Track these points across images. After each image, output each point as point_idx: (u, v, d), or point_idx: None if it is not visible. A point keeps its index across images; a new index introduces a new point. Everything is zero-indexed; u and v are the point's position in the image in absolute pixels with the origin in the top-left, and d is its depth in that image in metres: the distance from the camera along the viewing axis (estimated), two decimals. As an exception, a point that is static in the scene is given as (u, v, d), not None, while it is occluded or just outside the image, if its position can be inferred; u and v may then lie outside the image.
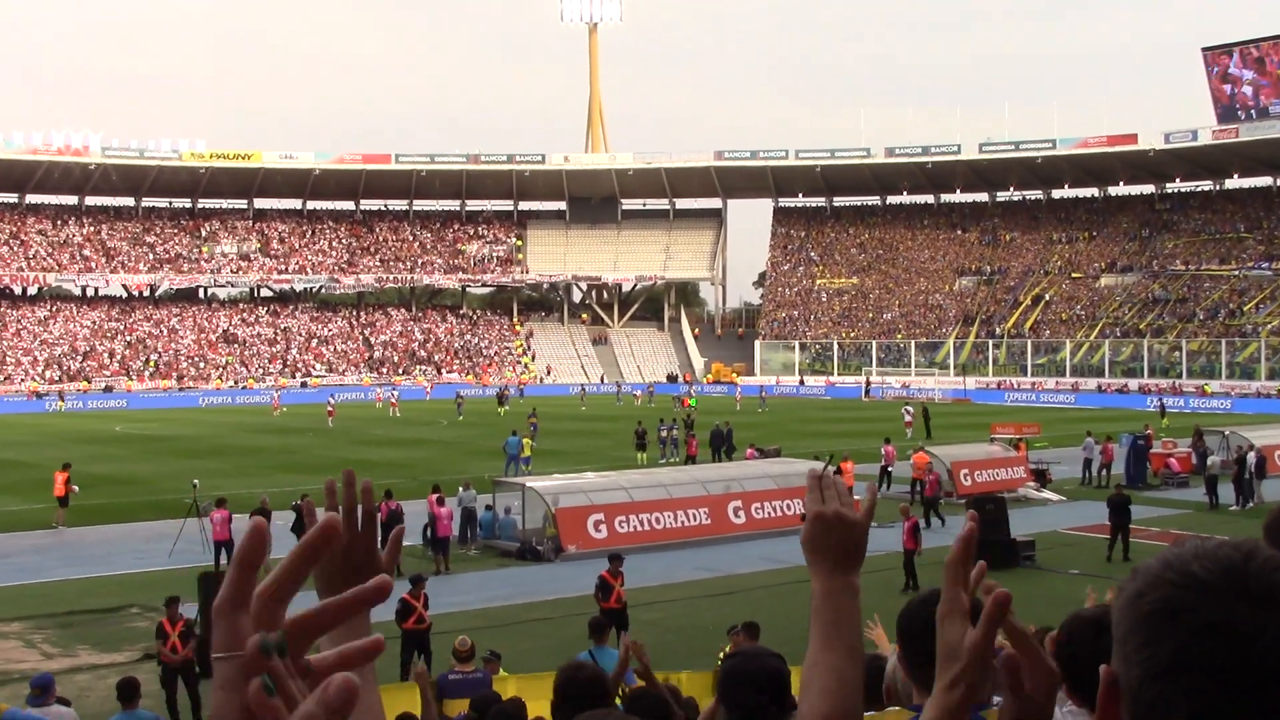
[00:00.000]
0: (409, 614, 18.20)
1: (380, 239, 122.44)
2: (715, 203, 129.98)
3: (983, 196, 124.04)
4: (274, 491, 34.45)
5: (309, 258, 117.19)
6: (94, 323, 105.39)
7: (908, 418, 61.50)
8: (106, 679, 18.16)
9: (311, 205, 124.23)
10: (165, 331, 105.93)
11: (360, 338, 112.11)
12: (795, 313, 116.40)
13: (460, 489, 30.94)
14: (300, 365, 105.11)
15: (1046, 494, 38.42)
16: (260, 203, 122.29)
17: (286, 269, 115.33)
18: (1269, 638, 1.29)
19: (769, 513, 32.25)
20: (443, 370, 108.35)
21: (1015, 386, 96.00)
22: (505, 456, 43.10)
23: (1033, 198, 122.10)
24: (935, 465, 37.46)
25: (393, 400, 79.28)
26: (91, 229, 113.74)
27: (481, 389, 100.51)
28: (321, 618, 1.26)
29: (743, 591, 24.84)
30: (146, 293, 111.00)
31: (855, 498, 2.43)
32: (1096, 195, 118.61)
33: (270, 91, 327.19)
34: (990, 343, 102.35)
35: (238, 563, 1.24)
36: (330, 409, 70.03)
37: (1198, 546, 1.39)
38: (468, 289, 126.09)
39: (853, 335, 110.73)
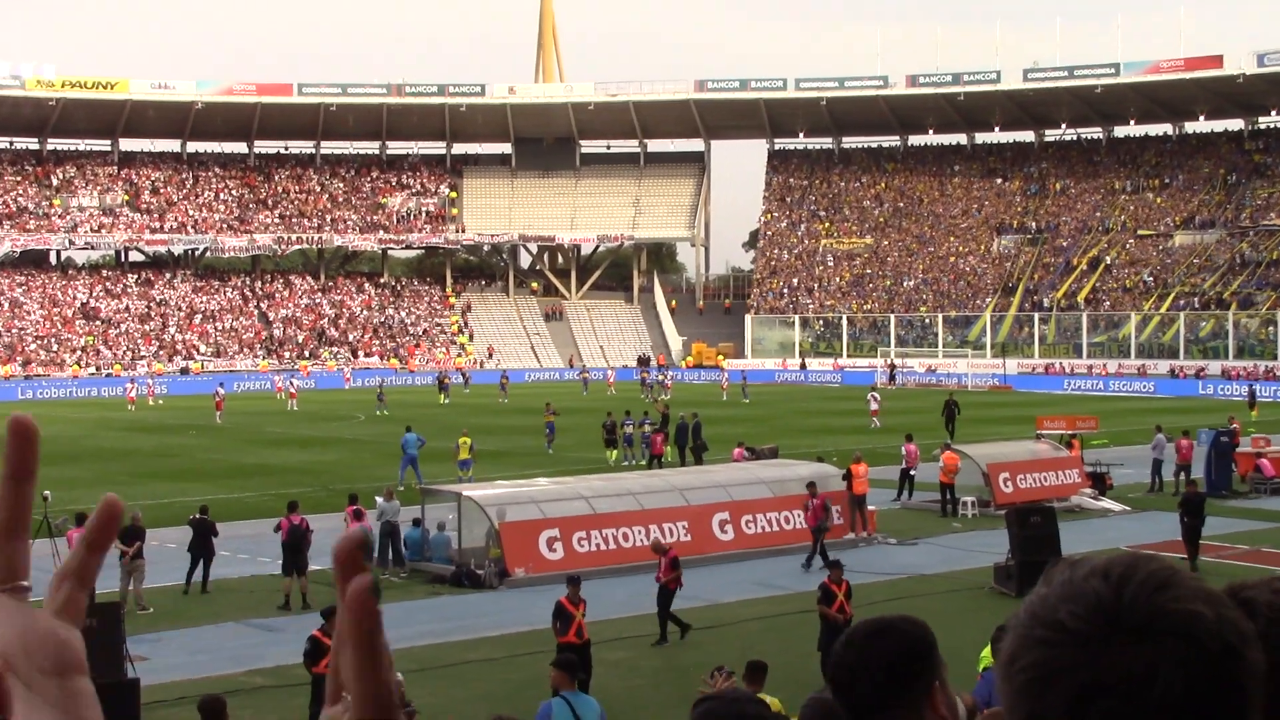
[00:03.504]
0: (320, 655, 18.18)
1: (279, 190, 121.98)
2: (696, 145, 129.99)
3: (1027, 136, 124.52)
4: (149, 505, 34.35)
5: (190, 213, 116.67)
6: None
7: (874, 405, 62.64)
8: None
9: (193, 147, 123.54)
10: (6, 305, 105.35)
11: (255, 313, 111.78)
12: (795, 281, 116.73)
13: (380, 499, 30.93)
14: (180, 347, 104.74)
15: (1106, 503, 38.68)
16: (127, 144, 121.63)
17: (161, 227, 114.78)
18: (1165, 672, 1.34)
19: (763, 527, 32.38)
20: (359, 353, 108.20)
21: (1067, 371, 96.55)
22: (401, 456, 42.84)
23: (1090, 137, 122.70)
24: (968, 468, 37.67)
25: (291, 390, 79.28)
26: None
27: (409, 376, 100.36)
28: (81, 556, 1.37)
29: (731, 624, 24.92)
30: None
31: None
32: (1170, 133, 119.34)
33: (139, 3, 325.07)
34: (1036, 317, 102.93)
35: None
36: (218, 400, 69.89)
37: (1067, 579, 1.43)
38: (389, 252, 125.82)
39: (866, 308, 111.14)
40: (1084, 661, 1.36)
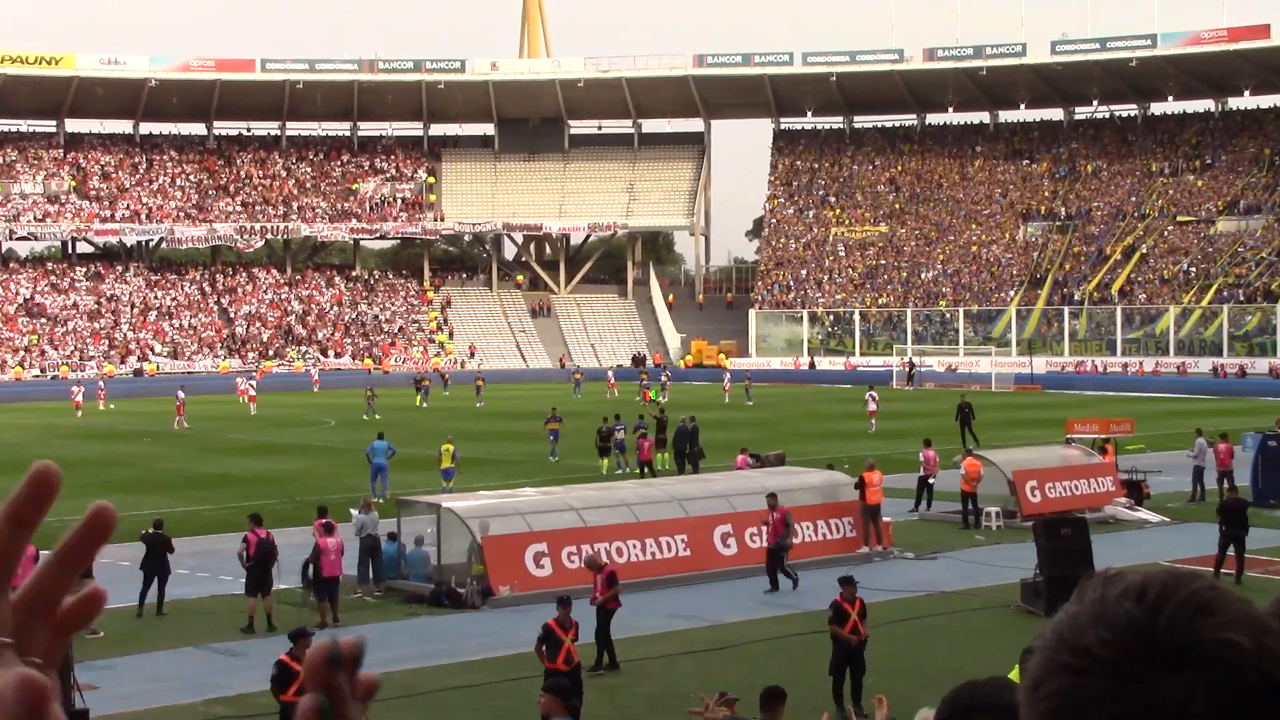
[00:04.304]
0: (288, 682, 18.20)
1: (241, 175, 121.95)
2: (695, 125, 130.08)
3: (1056, 114, 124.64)
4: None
5: (143, 201, 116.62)
6: None
7: (872, 405, 62.77)
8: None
9: (146, 129, 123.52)
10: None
11: (215, 310, 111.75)
12: (803, 273, 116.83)
13: (355, 511, 30.87)
14: (133, 347, 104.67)
15: (1143, 513, 38.71)
16: (74, 125, 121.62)
17: (113, 216, 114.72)
18: (1199, 706, 1.33)
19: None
20: (329, 352, 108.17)
21: (1100, 369, 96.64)
22: (369, 466, 42.66)
23: (1124, 115, 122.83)
24: (992, 475, 37.69)
25: (251, 393, 79.20)
26: None
27: (384, 377, 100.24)
28: (48, 579, 1.34)
29: (735, 646, 24.90)
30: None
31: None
32: (1213, 110, 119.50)
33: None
34: (1066, 311, 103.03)
35: (8, 518, 1.33)
36: (180, 404, 69.78)
37: (1099, 598, 1.42)
38: (361, 243, 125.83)
39: (881, 302, 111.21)
40: (1112, 693, 1.36)
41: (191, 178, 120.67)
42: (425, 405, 79.60)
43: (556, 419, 53.13)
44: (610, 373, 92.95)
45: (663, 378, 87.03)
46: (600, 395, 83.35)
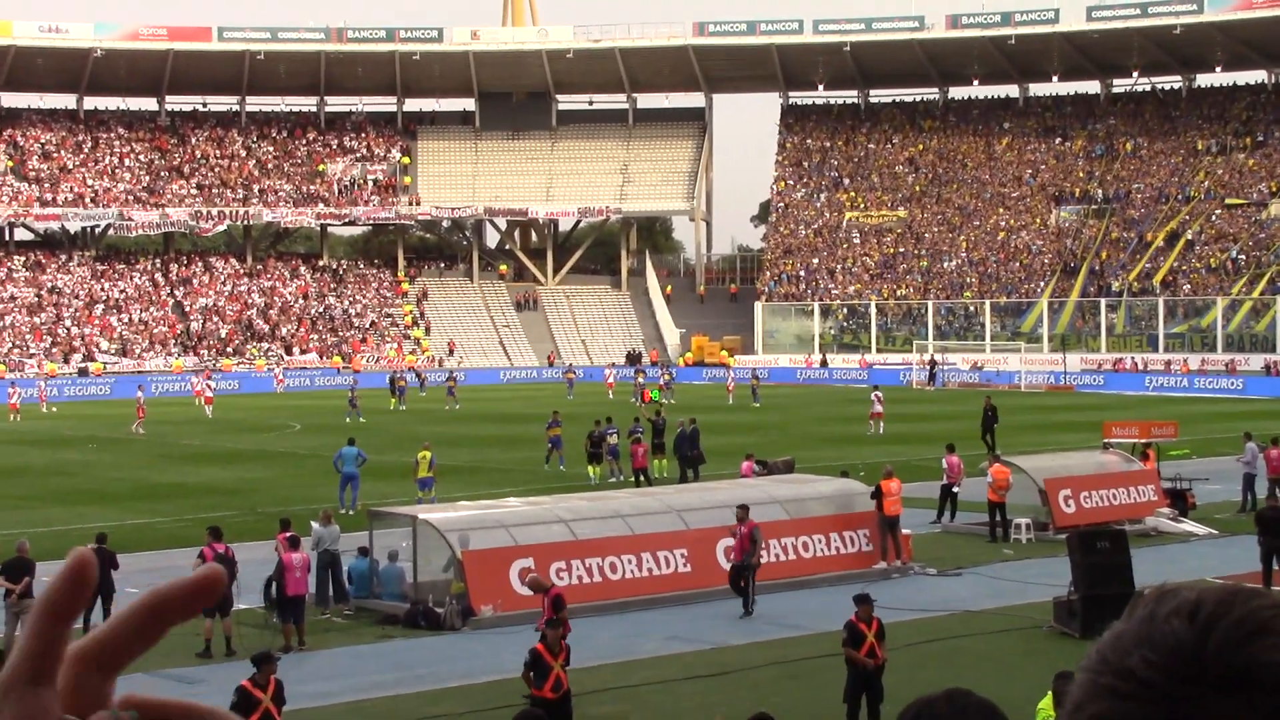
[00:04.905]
0: (250, 710, 18.23)
1: (197, 155, 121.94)
2: (695, 99, 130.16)
3: (1092, 86, 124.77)
4: (39, 533, 34.33)
5: (88, 183, 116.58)
6: None
7: (878, 407, 62.89)
8: None
9: (91, 104, 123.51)
10: None
11: (169, 303, 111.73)
12: (814, 262, 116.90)
13: (316, 524, 30.83)
14: (78, 344, 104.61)
15: (1188, 525, 38.73)
16: (10, 99, 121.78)
17: (54, 199, 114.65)
18: None
19: (776, 555, 32.33)
20: (294, 349, 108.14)
21: (1140, 367, 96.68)
22: (338, 476, 42.64)
23: (1167, 87, 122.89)
24: (1021, 483, 37.68)
25: (208, 395, 79.12)
26: None
27: (352, 377, 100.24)
28: (132, 641, 1.36)
29: (739, 671, 24.89)
30: None
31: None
32: (1265, 82, 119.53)
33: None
34: (1103, 303, 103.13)
35: (46, 610, 1.29)
36: (140, 407, 69.77)
37: (1148, 616, 1.43)
38: (329, 229, 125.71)
39: (899, 294, 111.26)
40: (1157, 717, 1.37)
41: (141, 158, 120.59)
42: (402, 408, 79.66)
43: (558, 424, 52.90)
44: (609, 371, 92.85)
45: (665, 376, 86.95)
46: (599, 396, 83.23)
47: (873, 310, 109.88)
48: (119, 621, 1.30)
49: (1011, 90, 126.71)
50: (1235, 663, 1.35)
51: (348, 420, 69.33)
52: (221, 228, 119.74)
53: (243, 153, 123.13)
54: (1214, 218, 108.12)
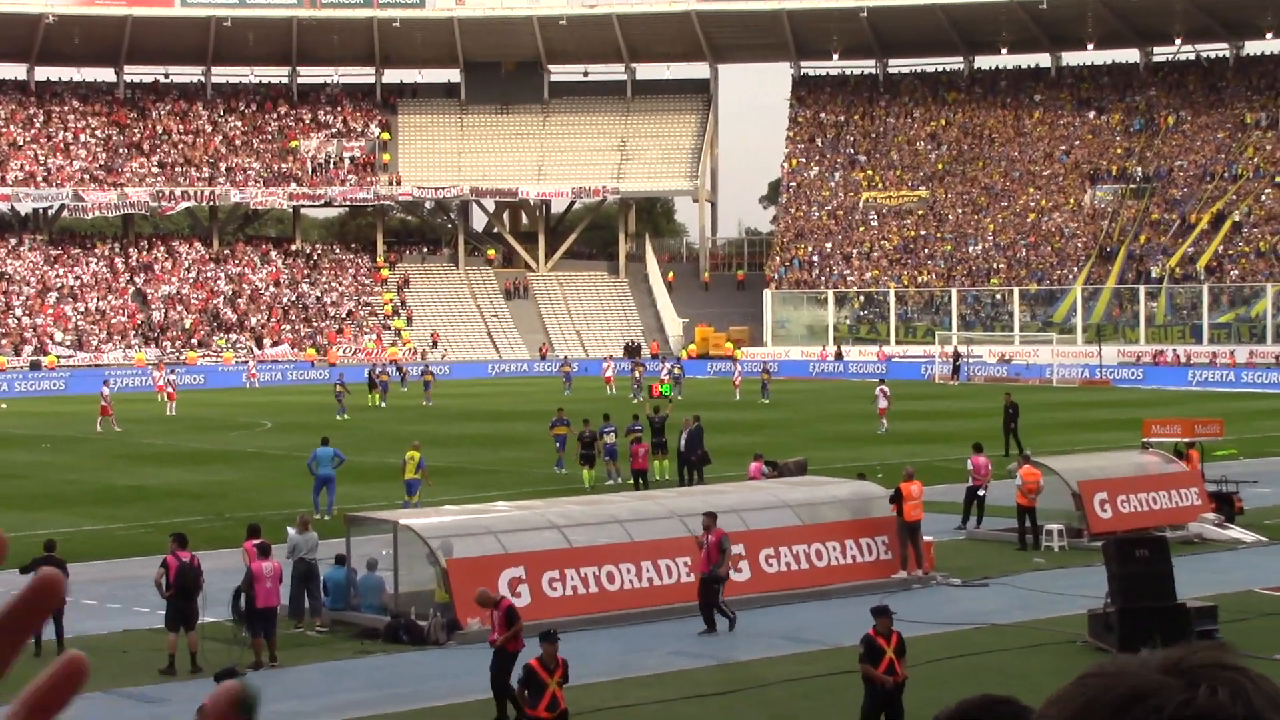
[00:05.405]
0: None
1: (159, 130, 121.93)
2: (700, 70, 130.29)
3: (1130, 54, 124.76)
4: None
5: (40, 160, 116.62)
6: None
7: (883, 402, 63.04)
8: None
9: (42, 74, 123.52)
10: None
11: (129, 290, 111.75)
12: (829, 246, 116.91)
13: (291, 530, 30.82)
14: (29, 334, 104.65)
15: (1235, 532, 38.69)
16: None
17: (3, 179, 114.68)
18: None
19: (788, 564, 32.38)
20: (264, 341, 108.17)
21: (1183, 360, 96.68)
22: (312, 479, 42.57)
23: (1212, 55, 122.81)
24: (1053, 486, 37.64)
25: (170, 390, 79.09)
26: None
27: (327, 371, 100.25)
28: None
29: (750, 689, 24.87)
30: None
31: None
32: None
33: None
34: (1142, 290, 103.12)
35: (30, 706, 1.45)
36: (105, 403, 69.81)
37: (1088, 693, 1.49)
38: (303, 211, 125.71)
39: (921, 281, 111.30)
40: None
41: (98, 133, 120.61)
42: (382, 405, 79.62)
43: (564, 422, 52.79)
44: (607, 364, 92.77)
45: (675, 370, 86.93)
46: (596, 392, 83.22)
47: (891, 299, 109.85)
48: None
49: (1043, 59, 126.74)
50: None
51: (338, 418, 69.39)
52: (184, 207, 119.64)
53: (208, 128, 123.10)
54: (1263, 198, 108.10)
